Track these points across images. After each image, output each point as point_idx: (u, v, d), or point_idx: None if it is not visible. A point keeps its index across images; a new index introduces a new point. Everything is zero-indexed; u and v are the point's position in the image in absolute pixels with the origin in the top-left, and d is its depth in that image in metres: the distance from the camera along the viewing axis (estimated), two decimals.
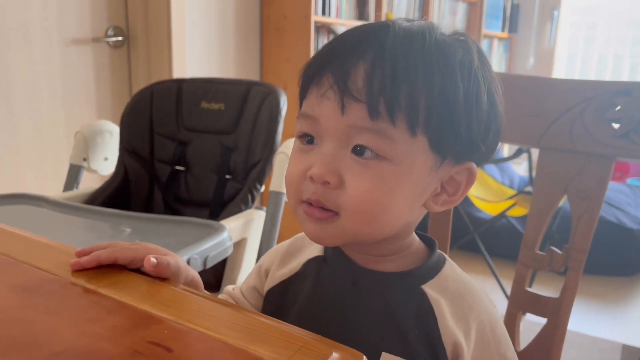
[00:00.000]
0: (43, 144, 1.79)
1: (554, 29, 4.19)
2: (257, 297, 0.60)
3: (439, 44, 0.46)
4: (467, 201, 2.41)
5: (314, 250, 0.56)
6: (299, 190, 0.48)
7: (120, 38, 1.97)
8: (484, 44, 4.04)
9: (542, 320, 0.74)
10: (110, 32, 1.94)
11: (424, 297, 0.49)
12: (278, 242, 0.76)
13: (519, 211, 2.26)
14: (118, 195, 1.39)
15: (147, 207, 1.43)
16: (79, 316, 0.40)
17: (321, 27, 2.51)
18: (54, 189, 1.72)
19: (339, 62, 0.45)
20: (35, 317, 0.40)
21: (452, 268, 0.53)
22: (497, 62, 4.39)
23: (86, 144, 1.45)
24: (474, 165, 0.49)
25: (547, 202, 0.76)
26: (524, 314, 0.80)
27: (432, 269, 0.51)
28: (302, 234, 0.57)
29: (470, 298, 0.51)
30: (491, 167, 2.76)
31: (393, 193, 0.46)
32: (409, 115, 0.44)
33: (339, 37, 0.48)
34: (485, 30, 3.98)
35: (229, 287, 0.63)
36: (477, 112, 0.46)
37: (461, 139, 0.46)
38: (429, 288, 0.50)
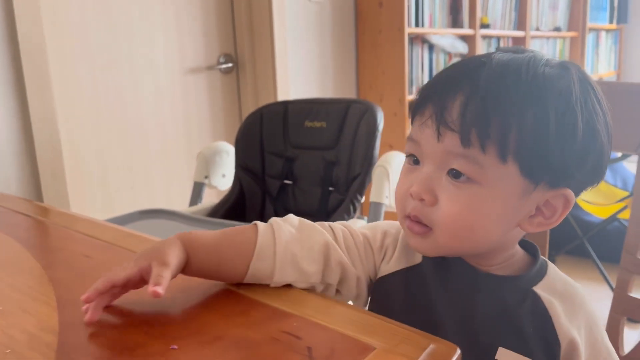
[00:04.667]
0: (169, 164, 2.03)
1: None
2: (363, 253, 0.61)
3: (536, 78, 0.49)
4: (574, 205, 2.32)
5: None
6: (404, 206, 0.54)
7: (230, 64, 2.17)
8: (589, 39, 3.83)
9: None
10: (221, 60, 2.15)
11: (537, 298, 0.54)
12: None
13: None
14: (235, 208, 1.56)
15: (260, 218, 1.58)
16: (229, 310, 0.51)
17: (415, 38, 2.56)
18: (178, 204, 1.94)
19: (438, 96, 0.51)
20: (197, 310, 0.52)
21: (555, 271, 0.58)
22: (606, 56, 4.13)
23: (207, 163, 1.64)
24: (569, 191, 0.53)
25: None
26: (629, 319, 0.81)
27: (539, 272, 0.56)
28: None
29: (578, 297, 0.56)
30: None
31: (480, 214, 0.51)
32: (500, 144, 0.48)
33: (440, 73, 0.54)
34: (590, 24, 3.77)
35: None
36: (571, 144, 0.49)
37: (553, 168, 0.50)
38: (539, 289, 0.55)
